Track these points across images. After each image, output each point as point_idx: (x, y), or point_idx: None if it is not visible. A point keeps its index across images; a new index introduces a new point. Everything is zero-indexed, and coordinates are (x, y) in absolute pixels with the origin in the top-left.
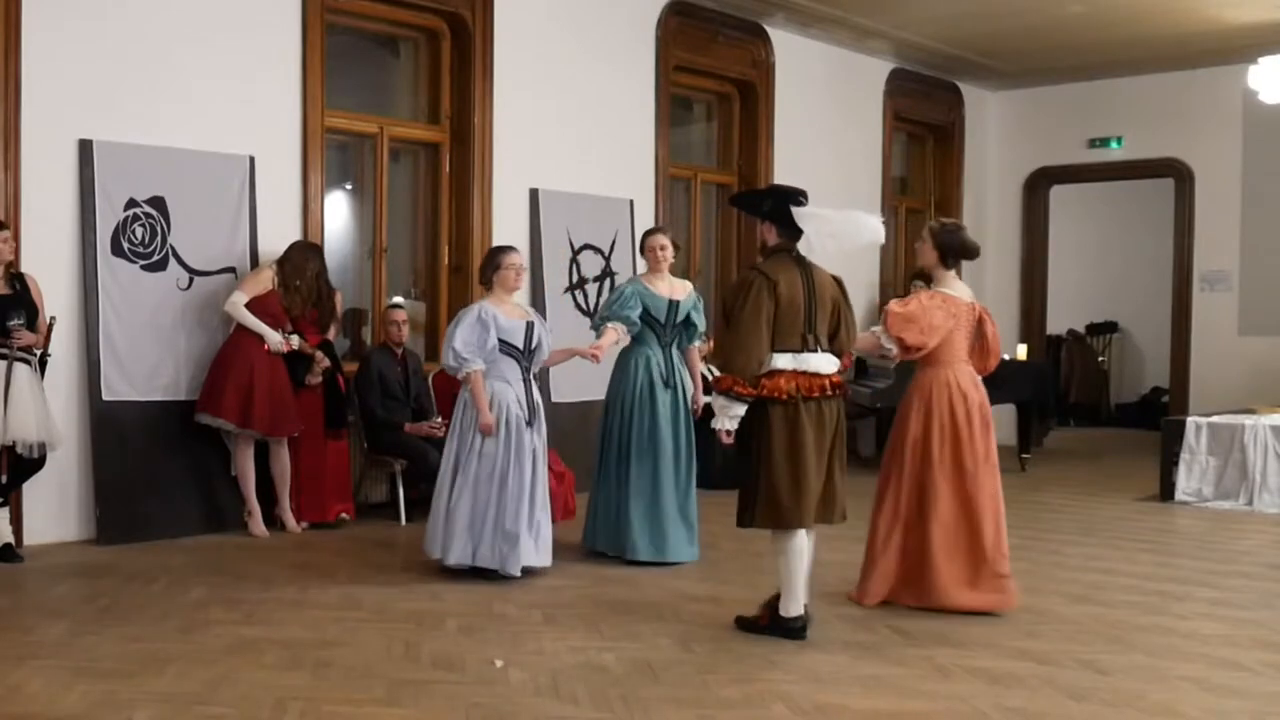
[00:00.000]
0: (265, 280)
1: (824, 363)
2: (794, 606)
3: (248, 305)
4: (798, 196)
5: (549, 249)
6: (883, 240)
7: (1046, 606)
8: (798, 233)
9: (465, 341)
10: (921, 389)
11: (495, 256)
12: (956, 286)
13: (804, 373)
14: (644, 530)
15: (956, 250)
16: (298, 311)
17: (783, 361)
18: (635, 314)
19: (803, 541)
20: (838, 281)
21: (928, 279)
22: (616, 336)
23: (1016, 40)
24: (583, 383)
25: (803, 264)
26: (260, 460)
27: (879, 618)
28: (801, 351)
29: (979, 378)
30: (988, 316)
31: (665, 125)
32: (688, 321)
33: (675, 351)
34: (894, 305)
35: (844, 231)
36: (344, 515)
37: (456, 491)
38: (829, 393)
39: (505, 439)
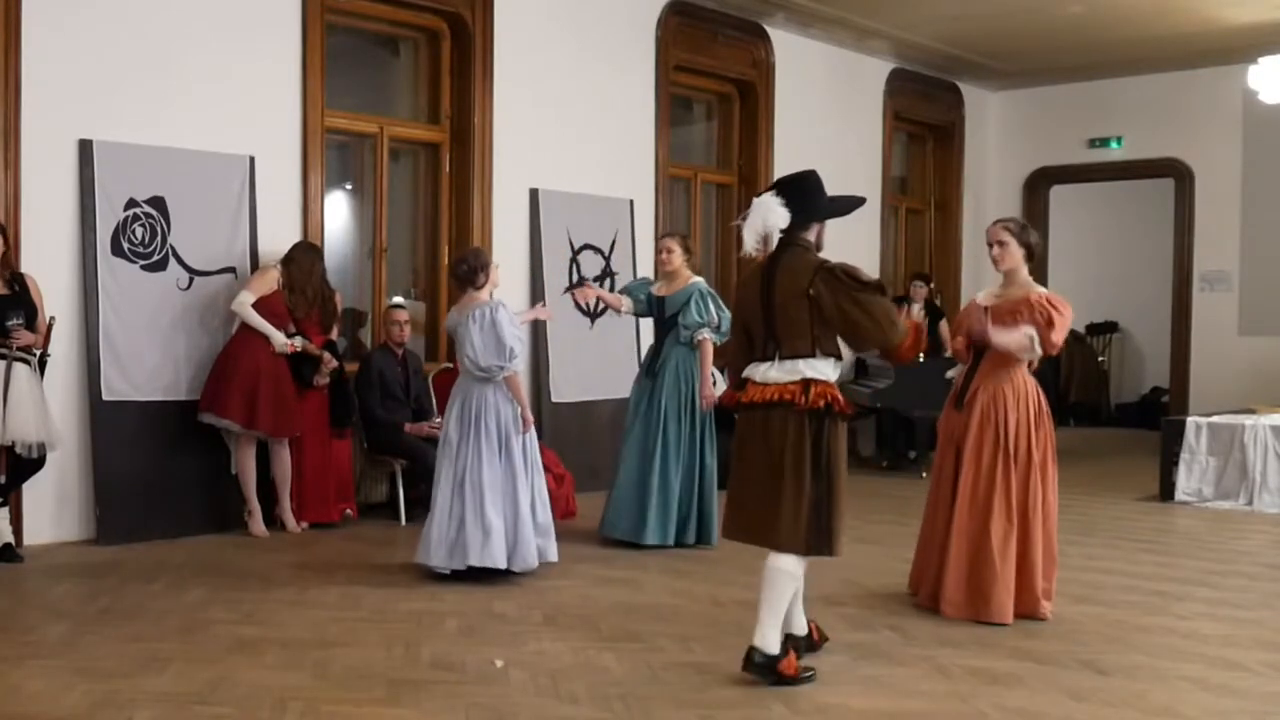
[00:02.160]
0: (271, 281)
1: (771, 372)
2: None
3: (252, 306)
4: (778, 185)
5: (549, 249)
6: (782, 225)
7: None
8: (791, 226)
9: (516, 340)
10: (1031, 386)
11: (486, 257)
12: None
13: (751, 381)
14: (609, 506)
15: (1034, 246)
16: (302, 313)
17: (747, 370)
18: (641, 295)
19: (774, 563)
20: (826, 270)
21: (926, 278)
22: (620, 303)
23: (1016, 40)
24: (583, 383)
25: (777, 263)
26: (260, 460)
27: (879, 618)
28: (760, 360)
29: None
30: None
31: (665, 125)
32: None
33: (669, 344)
34: (1056, 302)
35: (748, 219)
36: (348, 513)
37: (502, 494)
38: (768, 400)
39: (527, 436)
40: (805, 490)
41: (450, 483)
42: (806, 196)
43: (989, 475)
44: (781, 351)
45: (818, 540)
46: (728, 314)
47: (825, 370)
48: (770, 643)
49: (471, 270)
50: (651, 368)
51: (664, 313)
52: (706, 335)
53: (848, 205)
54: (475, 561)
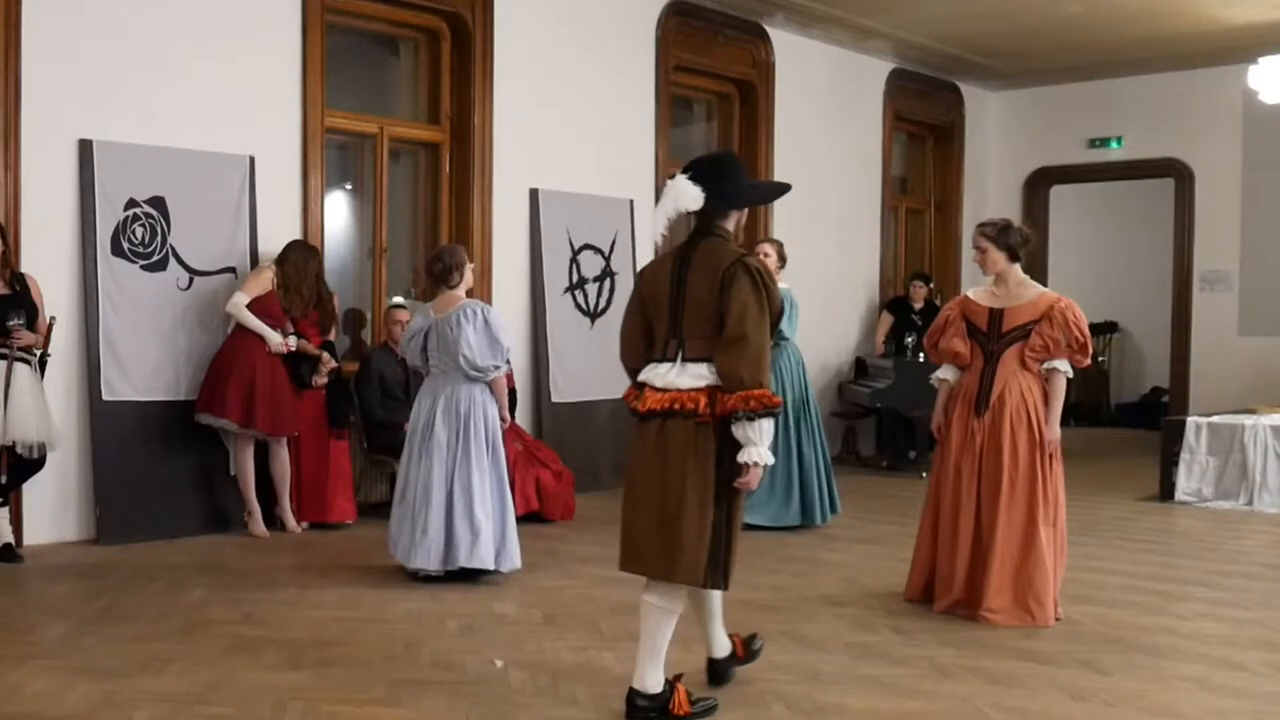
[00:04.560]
0: (266, 281)
1: (671, 374)
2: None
3: (248, 306)
4: (692, 166)
5: (549, 249)
6: (695, 206)
7: None
8: (707, 213)
9: (508, 339)
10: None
11: (462, 255)
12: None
13: (647, 385)
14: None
15: (1018, 243)
16: (298, 313)
17: (644, 370)
18: None
19: (647, 597)
20: (745, 264)
21: (926, 278)
22: None
23: (1016, 40)
24: (583, 383)
25: (692, 250)
26: (260, 460)
27: (879, 618)
28: (660, 360)
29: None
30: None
31: (665, 125)
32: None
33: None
34: (1081, 320)
35: (663, 200)
36: (347, 522)
37: (490, 494)
38: (665, 408)
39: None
40: (709, 515)
41: (444, 483)
42: (725, 180)
43: (1029, 476)
44: (685, 353)
45: (714, 572)
46: (792, 323)
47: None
48: (651, 683)
49: (447, 269)
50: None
51: None
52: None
53: (770, 192)
54: (464, 562)
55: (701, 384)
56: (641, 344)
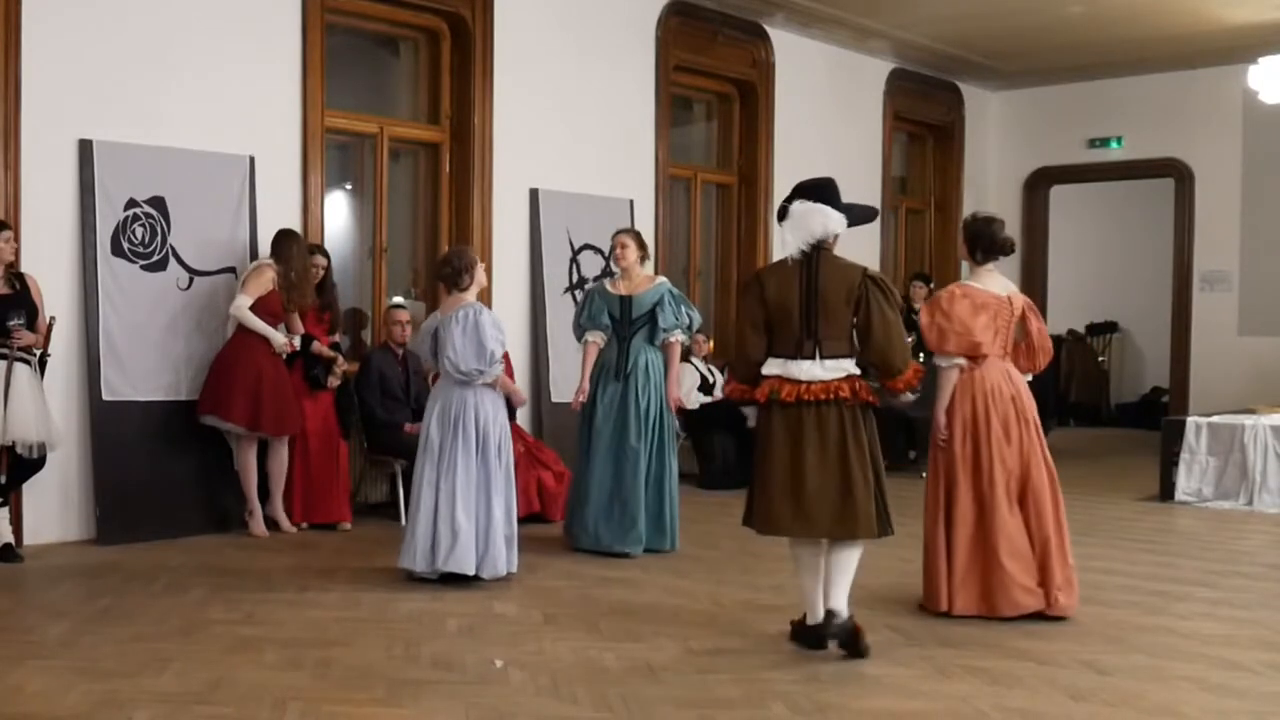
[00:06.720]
0: (267, 280)
1: (815, 370)
2: (808, 614)
3: (250, 307)
4: (804, 191)
5: (549, 249)
6: (843, 229)
7: None
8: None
9: (497, 343)
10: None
11: (471, 257)
12: (987, 280)
13: (786, 378)
14: (576, 517)
15: (986, 243)
16: (296, 306)
17: (772, 367)
18: (603, 319)
19: (799, 550)
20: (872, 278)
21: (927, 279)
22: (599, 344)
23: (1016, 40)
24: None
25: (813, 262)
26: (259, 457)
27: (879, 618)
28: (794, 358)
29: (1016, 373)
30: (1032, 313)
31: (665, 125)
32: (655, 316)
33: (636, 344)
34: (923, 318)
35: (800, 224)
36: (345, 525)
37: (475, 498)
38: (818, 398)
39: (504, 444)
40: (870, 479)
41: (432, 486)
42: (836, 203)
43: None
44: (823, 350)
45: (887, 522)
46: (697, 314)
47: (857, 368)
48: (845, 610)
49: (456, 272)
50: (620, 369)
51: (631, 312)
52: (679, 336)
53: (865, 215)
54: (443, 565)
55: (842, 375)
56: (764, 342)
